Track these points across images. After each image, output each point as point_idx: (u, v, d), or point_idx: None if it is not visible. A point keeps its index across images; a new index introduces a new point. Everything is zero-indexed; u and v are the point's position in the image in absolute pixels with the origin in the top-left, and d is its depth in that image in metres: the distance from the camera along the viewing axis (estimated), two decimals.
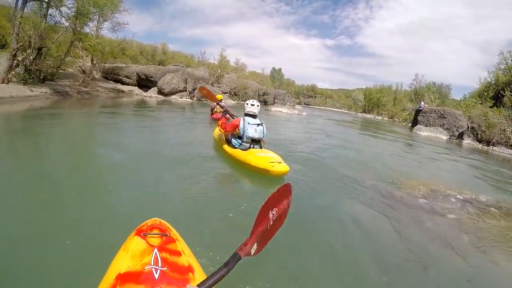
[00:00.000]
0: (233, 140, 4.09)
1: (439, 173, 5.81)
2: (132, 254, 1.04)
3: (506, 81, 17.94)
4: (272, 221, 1.19)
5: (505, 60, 19.53)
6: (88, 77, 15.88)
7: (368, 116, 31.00)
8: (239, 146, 3.99)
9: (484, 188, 4.82)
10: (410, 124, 19.94)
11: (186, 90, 18.59)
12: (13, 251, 1.69)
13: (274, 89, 27.70)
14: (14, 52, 10.08)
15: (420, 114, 17.21)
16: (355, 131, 13.55)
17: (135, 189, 2.83)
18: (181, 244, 1.17)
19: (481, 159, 8.90)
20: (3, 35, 17.45)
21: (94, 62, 16.98)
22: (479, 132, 13.29)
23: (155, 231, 1.20)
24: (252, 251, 1.08)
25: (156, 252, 1.04)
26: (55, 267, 1.60)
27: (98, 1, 12.24)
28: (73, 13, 11.94)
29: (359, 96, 38.59)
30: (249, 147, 3.94)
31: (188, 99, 18.03)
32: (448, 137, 14.95)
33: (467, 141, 13.41)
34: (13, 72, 10.20)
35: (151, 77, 18.37)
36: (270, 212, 1.18)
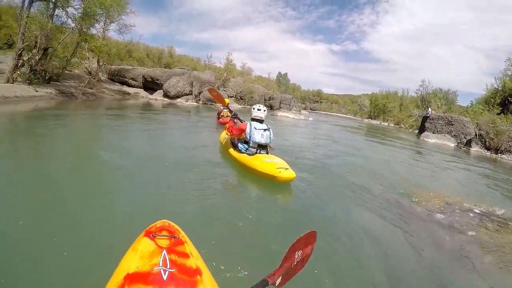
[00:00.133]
0: (240, 145, 4.01)
1: (451, 183, 5.62)
2: (141, 254, 1.04)
3: None
4: (296, 261, 1.23)
5: None
6: (94, 78, 15.96)
7: (374, 122, 30.75)
8: (246, 151, 3.91)
9: (498, 200, 4.63)
10: (417, 130, 19.65)
11: (191, 94, 18.58)
12: (16, 252, 1.70)
13: (280, 93, 27.72)
14: (19, 51, 10.13)
15: (428, 120, 16.95)
16: (362, 137, 13.38)
17: (142, 192, 2.83)
18: (189, 247, 1.17)
19: (491, 167, 8.65)
20: (10, 35, 17.57)
21: (100, 63, 17.09)
22: (487, 140, 12.99)
23: (164, 232, 1.19)
24: (277, 282, 1.12)
25: (164, 254, 1.04)
26: (63, 267, 1.60)
27: (104, 2, 12.29)
28: (79, 14, 12.03)
29: (365, 101, 38.31)
30: (256, 152, 3.86)
31: (194, 103, 17.99)
32: (456, 144, 14.67)
33: (475, 149, 13.13)
34: (18, 72, 10.24)
35: (157, 79, 18.41)
36: (296, 252, 1.22)
